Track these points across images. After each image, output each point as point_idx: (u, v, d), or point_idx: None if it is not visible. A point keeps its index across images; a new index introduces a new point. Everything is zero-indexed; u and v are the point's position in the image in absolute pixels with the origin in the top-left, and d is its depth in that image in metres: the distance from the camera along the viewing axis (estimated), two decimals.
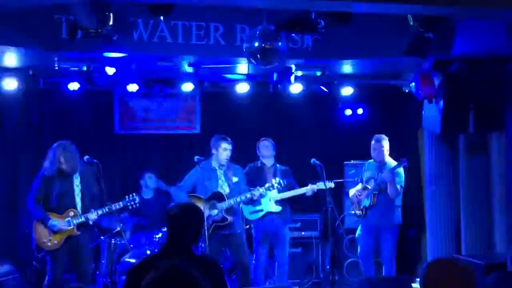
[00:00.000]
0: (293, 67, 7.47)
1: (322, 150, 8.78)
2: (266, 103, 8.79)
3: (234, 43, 6.83)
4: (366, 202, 7.35)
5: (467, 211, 8.03)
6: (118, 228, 6.93)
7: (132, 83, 7.70)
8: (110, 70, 6.94)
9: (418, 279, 8.16)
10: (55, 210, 6.50)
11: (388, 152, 7.51)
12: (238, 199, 6.97)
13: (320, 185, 7.38)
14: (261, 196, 7.17)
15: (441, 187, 8.15)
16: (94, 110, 8.74)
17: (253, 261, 7.48)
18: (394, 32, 6.62)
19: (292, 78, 7.51)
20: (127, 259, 7.33)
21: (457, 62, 7.44)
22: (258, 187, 7.07)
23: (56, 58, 6.85)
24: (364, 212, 7.38)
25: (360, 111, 8.88)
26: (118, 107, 8.89)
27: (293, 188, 7.55)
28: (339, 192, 8.73)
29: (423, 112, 8.04)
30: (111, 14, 5.33)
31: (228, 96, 8.46)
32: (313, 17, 5.51)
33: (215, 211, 6.83)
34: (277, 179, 7.18)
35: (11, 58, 6.88)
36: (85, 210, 6.54)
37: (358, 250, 7.65)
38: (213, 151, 7.07)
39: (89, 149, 7.12)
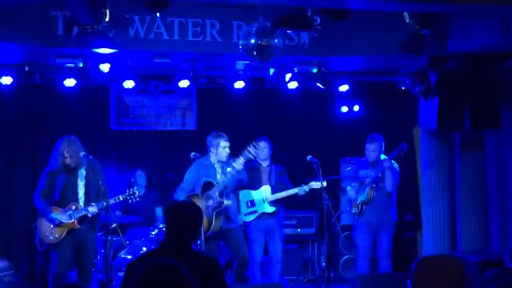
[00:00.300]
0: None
1: (318, 147, 8.80)
2: (262, 100, 8.80)
3: (230, 39, 6.84)
4: (363, 197, 7.31)
5: (463, 208, 8.06)
6: (114, 225, 6.92)
7: (128, 79, 7.70)
8: (105, 67, 6.93)
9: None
10: (58, 204, 6.53)
11: (383, 152, 7.49)
12: (228, 176, 6.82)
13: (313, 185, 7.38)
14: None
15: (436, 184, 8.16)
16: (90, 107, 8.72)
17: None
18: (390, 29, 6.64)
19: (288, 76, 7.51)
20: (123, 256, 7.33)
21: (452, 59, 7.46)
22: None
23: (53, 54, 6.85)
24: (360, 208, 7.32)
25: (356, 108, 8.90)
26: (115, 103, 8.89)
27: (287, 188, 7.55)
28: (335, 189, 8.75)
29: (419, 109, 8.06)
30: (108, 10, 5.33)
31: (224, 93, 8.46)
32: (309, 14, 5.51)
33: (210, 201, 6.80)
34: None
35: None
36: (89, 205, 6.56)
37: (356, 248, 7.61)
38: (212, 149, 7.01)
39: (85, 146, 7.10)
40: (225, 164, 6.99)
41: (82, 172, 6.62)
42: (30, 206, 8.00)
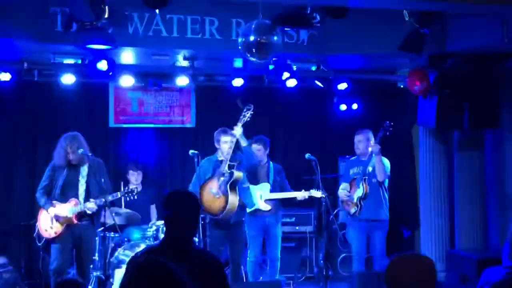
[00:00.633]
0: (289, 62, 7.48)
1: (316, 145, 8.82)
2: (261, 98, 8.77)
3: (230, 37, 6.83)
4: (360, 192, 7.25)
5: (461, 207, 8.07)
6: (112, 222, 6.93)
7: (127, 76, 7.69)
8: (104, 65, 6.90)
9: None
10: (59, 199, 6.54)
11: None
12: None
13: (313, 193, 7.36)
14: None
15: (435, 183, 8.17)
16: (89, 103, 8.71)
17: (247, 257, 7.47)
18: (390, 27, 6.63)
19: (285, 75, 7.49)
20: (121, 253, 7.33)
21: (452, 58, 7.46)
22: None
23: (52, 51, 6.84)
24: (359, 205, 7.24)
25: (355, 106, 8.89)
26: (113, 100, 8.88)
27: (284, 187, 7.54)
28: (334, 187, 8.75)
29: (418, 108, 8.05)
30: (107, 7, 5.32)
31: (223, 90, 8.45)
32: (308, 11, 5.50)
33: (222, 178, 6.76)
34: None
35: None
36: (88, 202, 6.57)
37: (352, 247, 7.59)
38: (217, 146, 7.05)
39: None
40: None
41: (85, 169, 6.63)
42: (28, 203, 8.06)
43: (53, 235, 6.54)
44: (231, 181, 6.74)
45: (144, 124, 9.04)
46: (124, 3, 6.35)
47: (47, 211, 6.52)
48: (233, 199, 6.74)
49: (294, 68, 7.58)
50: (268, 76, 7.96)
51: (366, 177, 7.20)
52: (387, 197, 7.31)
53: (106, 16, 5.34)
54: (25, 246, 8.09)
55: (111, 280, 7.03)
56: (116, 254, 7.35)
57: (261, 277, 7.74)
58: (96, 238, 7.25)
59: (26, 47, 6.85)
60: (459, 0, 5.70)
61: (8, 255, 7.54)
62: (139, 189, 8.13)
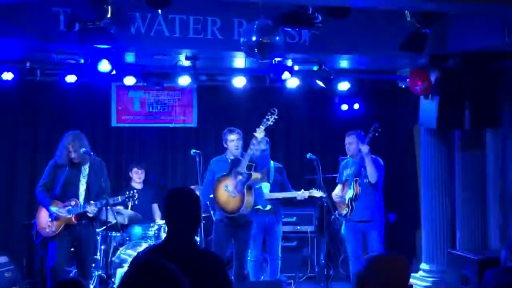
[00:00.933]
0: (290, 61, 7.47)
1: (318, 145, 8.82)
2: (262, 97, 8.79)
3: (232, 37, 6.84)
4: (350, 193, 7.24)
5: (462, 207, 8.07)
6: (114, 221, 6.94)
7: (129, 76, 7.71)
8: (105, 66, 6.90)
9: (413, 274, 8.20)
10: (59, 198, 6.53)
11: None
12: (250, 152, 6.77)
13: (313, 193, 7.37)
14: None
15: (436, 182, 8.17)
16: (91, 103, 8.73)
17: (248, 257, 7.47)
18: (391, 27, 6.64)
19: (285, 75, 7.49)
20: (123, 252, 7.35)
21: (453, 58, 7.47)
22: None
23: (54, 51, 6.86)
24: (350, 207, 7.22)
25: (356, 106, 8.91)
26: (115, 100, 8.90)
27: (284, 187, 7.56)
28: (334, 187, 8.74)
29: (419, 108, 8.06)
30: (109, 7, 5.33)
31: (224, 90, 8.47)
32: (310, 11, 5.52)
33: (240, 176, 6.77)
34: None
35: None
36: (88, 203, 6.56)
37: (347, 249, 7.56)
38: (225, 145, 7.06)
39: None
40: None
41: (86, 168, 6.62)
42: (30, 202, 8.08)
43: (51, 233, 6.52)
44: (248, 184, 6.77)
45: (146, 124, 9.06)
46: (127, 3, 6.37)
47: (47, 209, 6.51)
48: (249, 200, 6.78)
49: (296, 68, 7.59)
50: (269, 76, 7.96)
51: (357, 179, 7.20)
52: (380, 198, 7.28)
53: (108, 16, 5.35)
54: (26, 245, 8.10)
55: (113, 279, 7.05)
56: (118, 253, 7.39)
57: (262, 276, 7.76)
58: (98, 238, 7.28)
59: (29, 47, 6.87)
60: (460, 0, 5.71)
61: (10, 254, 7.55)
62: (140, 187, 8.18)
